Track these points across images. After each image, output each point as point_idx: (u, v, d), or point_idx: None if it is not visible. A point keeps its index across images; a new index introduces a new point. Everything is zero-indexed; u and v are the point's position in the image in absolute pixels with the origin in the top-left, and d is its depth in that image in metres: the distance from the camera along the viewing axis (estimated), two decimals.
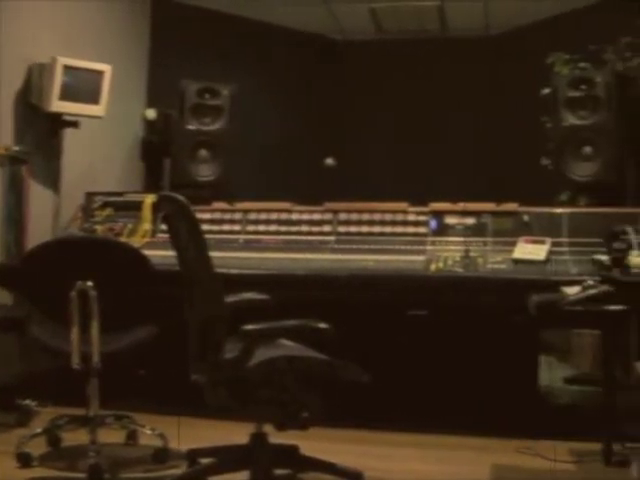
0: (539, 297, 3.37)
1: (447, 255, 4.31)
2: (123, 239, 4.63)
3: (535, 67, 5.58)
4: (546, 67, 5.47)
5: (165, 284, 3.34)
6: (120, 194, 5.08)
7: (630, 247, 3.39)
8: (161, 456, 3.65)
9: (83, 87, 4.95)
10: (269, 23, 7.06)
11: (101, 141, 5.56)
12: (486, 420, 4.13)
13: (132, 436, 3.91)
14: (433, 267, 4.20)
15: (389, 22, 7.17)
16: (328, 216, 4.69)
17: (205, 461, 3.32)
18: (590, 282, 3.25)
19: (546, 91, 5.30)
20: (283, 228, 4.71)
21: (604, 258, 3.55)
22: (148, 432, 3.78)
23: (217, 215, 4.82)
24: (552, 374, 4.77)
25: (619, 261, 3.26)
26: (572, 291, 3.22)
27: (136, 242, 4.56)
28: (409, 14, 6.92)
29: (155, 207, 4.77)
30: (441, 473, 3.67)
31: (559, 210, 4.52)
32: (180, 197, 2.94)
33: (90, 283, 3.34)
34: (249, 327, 2.80)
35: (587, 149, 4.99)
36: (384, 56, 7.34)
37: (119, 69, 5.26)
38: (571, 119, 5.05)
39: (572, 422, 4.11)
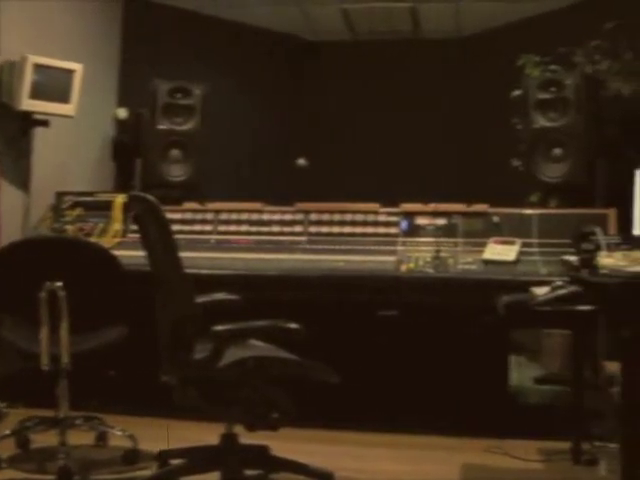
0: (509, 297, 3.40)
1: (418, 256, 4.33)
2: (93, 239, 4.60)
3: (506, 69, 5.61)
4: (517, 69, 5.51)
5: (136, 284, 3.33)
6: (91, 194, 5.05)
7: (598, 248, 3.42)
8: (131, 457, 3.63)
9: (54, 86, 4.91)
10: (242, 23, 7.05)
11: (71, 140, 5.52)
12: (456, 420, 4.16)
13: (102, 437, 3.89)
14: (404, 268, 4.22)
15: (361, 23, 7.18)
16: (299, 216, 4.70)
17: (175, 462, 3.31)
18: (559, 283, 3.28)
19: (517, 93, 5.34)
20: (254, 228, 4.71)
21: (573, 259, 3.58)
22: (118, 433, 3.77)
23: (188, 215, 4.81)
24: (522, 374, 4.80)
25: (587, 262, 3.28)
26: (541, 291, 3.25)
27: (106, 242, 4.54)
28: (381, 15, 6.94)
29: (126, 207, 4.74)
30: (412, 473, 3.68)
31: (529, 211, 4.56)
32: (150, 197, 2.94)
33: (59, 283, 3.32)
34: (219, 328, 2.80)
35: (557, 151, 5.03)
36: (357, 57, 7.35)
37: (90, 68, 5.23)
38: (541, 121, 5.08)
39: (542, 421, 4.13)
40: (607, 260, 3.11)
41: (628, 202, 3.57)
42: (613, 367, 4.16)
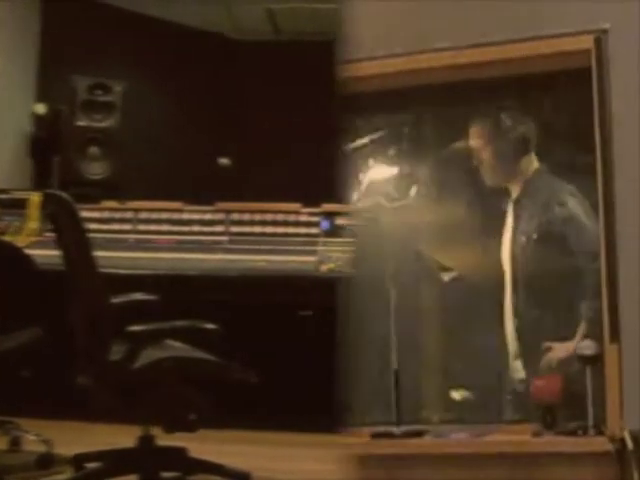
0: None
1: (338, 256, 4.34)
2: (8, 238, 4.50)
3: None
4: None
5: (51, 284, 3.26)
6: (6, 191, 4.93)
7: None
8: (45, 462, 3.54)
9: None
10: (165, 20, 6.97)
11: None
12: None
13: (16, 442, 3.79)
14: (324, 268, 4.23)
15: (287, 23, 7.19)
16: (220, 216, 4.67)
17: (91, 466, 3.25)
18: None
19: None
20: (175, 228, 4.67)
21: None
22: (32, 437, 3.68)
23: (107, 214, 4.74)
24: None
25: None
26: None
27: (21, 241, 4.44)
28: (307, 16, 6.95)
29: (42, 205, 4.65)
30: (334, 472, 3.68)
31: None
32: (64, 195, 2.89)
33: None
34: (135, 328, 2.77)
35: None
36: (280, 56, 7.35)
37: (7, 63, 5.12)
38: None
39: None
40: None
41: None
42: None
